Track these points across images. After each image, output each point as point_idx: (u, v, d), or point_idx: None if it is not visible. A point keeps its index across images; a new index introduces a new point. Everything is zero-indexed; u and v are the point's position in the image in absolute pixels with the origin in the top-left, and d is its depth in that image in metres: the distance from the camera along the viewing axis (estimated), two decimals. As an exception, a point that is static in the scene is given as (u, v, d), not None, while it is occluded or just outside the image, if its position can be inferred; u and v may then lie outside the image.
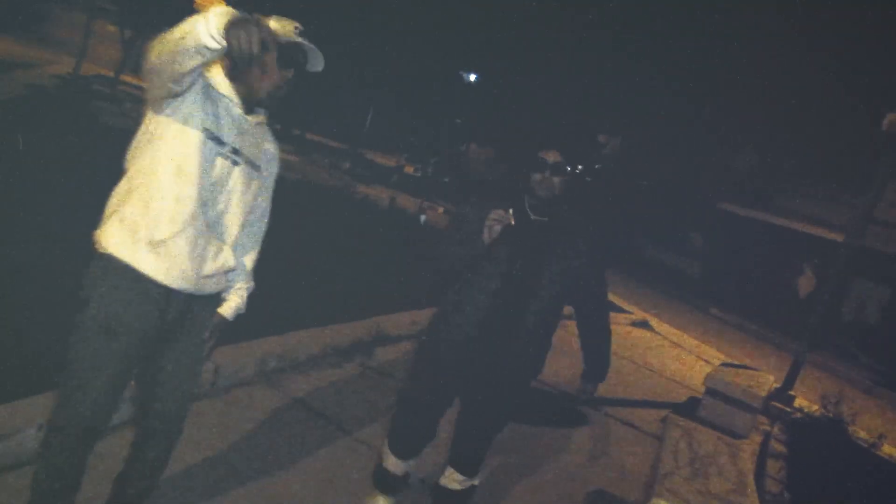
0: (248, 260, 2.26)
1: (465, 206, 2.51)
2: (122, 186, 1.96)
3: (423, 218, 12.00)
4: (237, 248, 2.18)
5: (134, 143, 1.97)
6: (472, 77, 24.56)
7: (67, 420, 1.96)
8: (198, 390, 2.29)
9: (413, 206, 14.20)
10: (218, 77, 2.03)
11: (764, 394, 6.04)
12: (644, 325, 10.70)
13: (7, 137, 6.61)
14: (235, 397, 3.67)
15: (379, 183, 17.51)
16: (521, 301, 2.50)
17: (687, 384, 7.70)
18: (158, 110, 1.91)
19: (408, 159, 21.32)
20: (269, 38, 1.92)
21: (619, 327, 9.63)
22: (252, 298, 2.31)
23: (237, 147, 2.02)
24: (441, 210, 16.19)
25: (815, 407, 7.21)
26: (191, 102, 1.91)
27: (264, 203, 2.25)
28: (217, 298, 2.21)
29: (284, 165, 2.33)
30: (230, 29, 1.64)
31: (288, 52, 2.04)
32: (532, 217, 2.54)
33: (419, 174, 20.72)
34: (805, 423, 6.60)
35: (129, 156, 1.98)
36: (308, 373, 4.29)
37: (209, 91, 1.97)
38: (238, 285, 2.24)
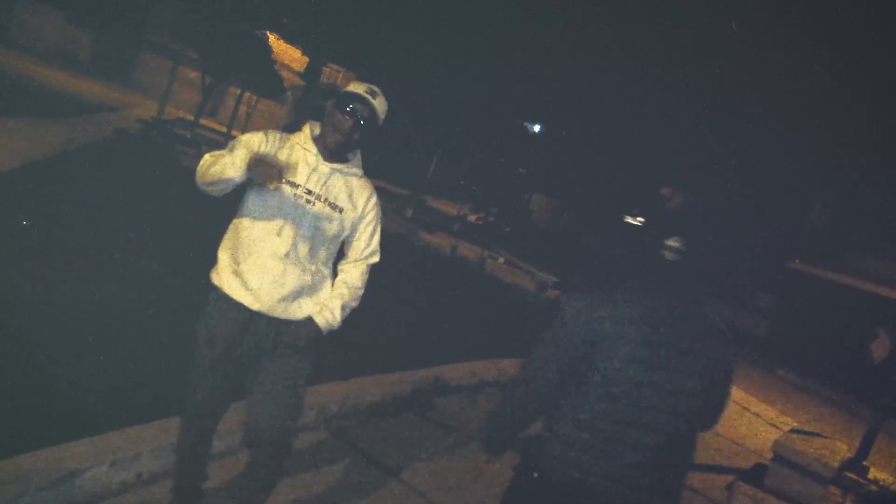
0: (343, 275, 2.46)
1: (572, 298, 1.92)
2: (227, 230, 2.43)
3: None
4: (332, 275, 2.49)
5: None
6: (537, 127, 24.78)
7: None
8: (291, 422, 2.49)
9: (474, 255, 14.29)
10: (302, 136, 2.37)
11: (836, 464, 5.76)
12: (708, 384, 10.38)
13: (96, 179, 7.01)
14: (298, 442, 3.73)
15: (441, 231, 17.70)
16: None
17: (753, 449, 7.42)
18: None
19: (471, 208, 21.47)
20: (333, 91, 2.27)
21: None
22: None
23: (311, 189, 2.30)
24: (501, 260, 16.19)
25: (892, 479, 6.84)
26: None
27: (362, 241, 2.46)
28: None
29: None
30: (253, 168, 2.09)
31: (350, 104, 2.30)
32: None
33: (481, 223, 20.84)
34: (880, 497, 6.26)
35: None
36: (368, 420, 4.34)
37: (293, 146, 2.34)
38: (330, 298, 2.42)
